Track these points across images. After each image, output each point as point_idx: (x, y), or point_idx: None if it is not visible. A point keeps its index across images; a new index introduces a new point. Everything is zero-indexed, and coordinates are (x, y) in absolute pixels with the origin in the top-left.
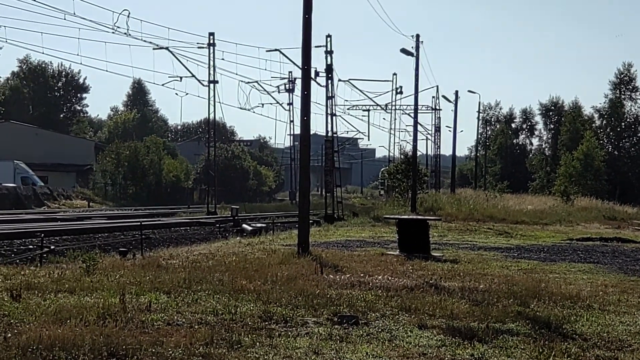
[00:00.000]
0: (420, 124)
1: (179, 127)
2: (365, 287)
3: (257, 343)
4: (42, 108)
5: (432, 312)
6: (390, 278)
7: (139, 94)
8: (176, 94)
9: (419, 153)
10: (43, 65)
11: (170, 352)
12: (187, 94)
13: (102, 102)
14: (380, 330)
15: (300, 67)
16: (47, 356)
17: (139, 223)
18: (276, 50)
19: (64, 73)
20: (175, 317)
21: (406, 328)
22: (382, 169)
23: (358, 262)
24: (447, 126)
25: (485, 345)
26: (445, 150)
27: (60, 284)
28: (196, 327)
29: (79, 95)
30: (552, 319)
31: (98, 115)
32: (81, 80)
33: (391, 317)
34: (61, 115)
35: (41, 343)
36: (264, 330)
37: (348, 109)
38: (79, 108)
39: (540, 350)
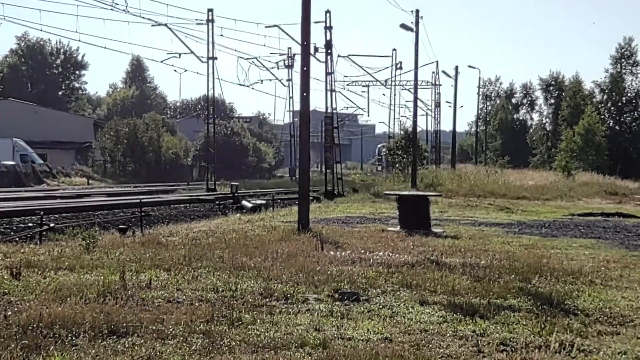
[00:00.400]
0: (420, 100)
1: (178, 103)
2: (365, 264)
3: (258, 320)
4: (40, 85)
5: (434, 289)
6: (390, 254)
7: (137, 70)
8: (175, 70)
9: (419, 129)
10: (41, 42)
11: (171, 329)
12: (185, 70)
13: (101, 79)
14: (381, 306)
15: (300, 43)
16: (47, 334)
17: (138, 200)
18: (275, 26)
19: (62, 50)
20: (176, 295)
21: (407, 304)
22: (379, 145)
23: (358, 239)
24: (447, 102)
25: (487, 322)
26: (446, 125)
27: (60, 261)
28: (197, 304)
29: (77, 72)
30: (554, 295)
31: (97, 92)
32: (79, 57)
33: (392, 294)
34: (60, 93)
35: (41, 321)
36: (265, 307)
37: (347, 84)
38: (77, 85)
39: (542, 326)
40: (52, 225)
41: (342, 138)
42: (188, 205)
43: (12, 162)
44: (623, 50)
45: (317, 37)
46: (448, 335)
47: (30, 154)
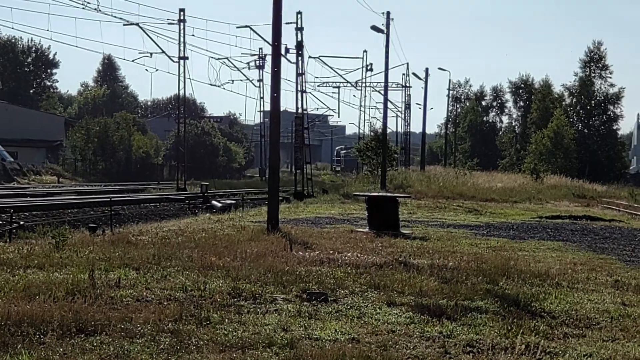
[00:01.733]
0: (391, 101)
1: (149, 103)
2: (334, 264)
3: (226, 319)
4: (11, 83)
5: (401, 290)
6: (359, 255)
7: (109, 69)
8: (146, 69)
9: (389, 130)
10: (13, 40)
11: (139, 328)
12: (157, 70)
13: (73, 77)
14: (349, 307)
15: (271, 43)
16: (15, 332)
17: (108, 199)
18: (247, 26)
19: (34, 48)
20: (145, 293)
21: (375, 305)
22: (337, 148)
23: (327, 239)
24: (417, 103)
25: (454, 323)
26: (416, 127)
27: (29, 259)
28: (165, 303)
29: (48, 70)
30: (521, 297)
31: (68, 91)
32: (51, 56)
33: (360, 294)
34: (31, 91)
35: (9, 319)
36: (233, 307)
37: (318, 85)
38: (48, 83)
39: (509, 328)
40: (22, 223)
41: (313, 139)
42: (158, 204)
43: None
44: (592, 54)
45: (288, 38)
46: (415, 336)
47: (1, 151)
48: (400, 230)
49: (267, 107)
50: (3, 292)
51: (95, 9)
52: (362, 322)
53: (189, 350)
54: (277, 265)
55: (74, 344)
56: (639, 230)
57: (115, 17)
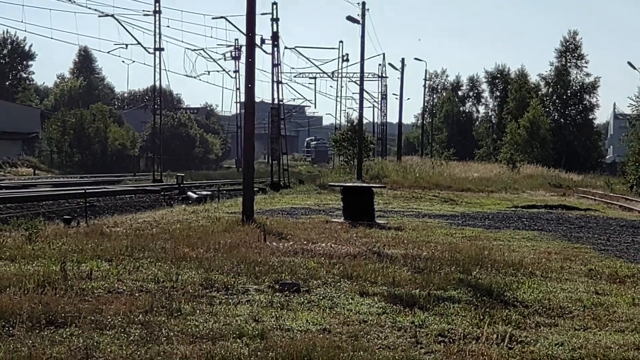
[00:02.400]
0: (367, 92)
1: (126, 94)
2: (308, 255)
3: (198, 310)
4: None
5: (374, 280)
6: (333, 245)
7: (85, 61)
8: (123, 61)
9: (366, 121)
10: None
11: (110, 319)
12: (133, 61)
13: (49, 69)
14: (321, 297)
15: (245, 34)
16: None
17: (83, 191)
18: (222, 17)
19: (9, 40)
20: (116, 285)
21: (347, 295)
22: (307, 139)
23: (302, 230)
24: (394, 94)
25: (426, 313)
26: (393, 118)
27: (0, 252)
28: (137, 294)
29: (24, 62)
30: (494, 286)
31: (44, 82)
32: (27, 48)
33: (333, 285)
34: (7, 83)
35: None
36: (205, 298)
37: (295, 76)
38: (24, 75)
39: (481, 318)
40: None
41: (290, 130)
42: (134, 196)
43: None
44: (568, 43)
45: (264, 28)
46: (387, 326)
47: None
48: (376, 221)
49: (244, 98)
50: None
51: (70, 1)
52: (334, 312)
53: (159, 341)
54: (250, 256)
55: (43, 335)
56: (614, 219)
57: (89, 8)
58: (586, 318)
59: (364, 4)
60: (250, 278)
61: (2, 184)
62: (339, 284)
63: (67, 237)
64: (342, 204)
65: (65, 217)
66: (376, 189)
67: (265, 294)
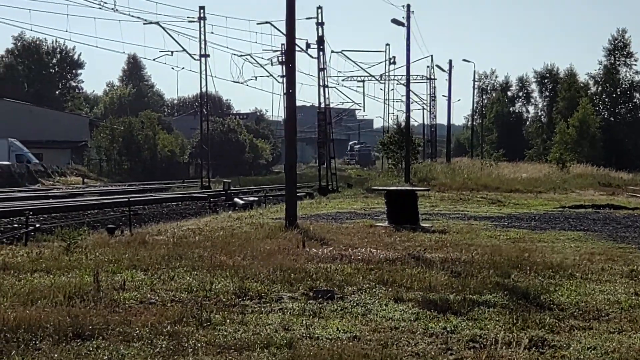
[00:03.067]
0: (416, 94)
1: (175, 101)
2: (346, 260)
3: (228, 320)
4: (37, 85)
5: (410, 285)
6: (373, 250)
7: (134, 69)
8: (172, 68)
9: (415, 123)
10: (37, 42)
11: (138, 331)
12: (183, 68)
13: (99, 78)
14: (355, 304)
15: (287, 39)
16: (10, 338)
17: (127, 199)
18: (267, 22)
19: (58, 49)
20: (149, 296)
21: (382, 302)
22: (351, 143)
23: (345, 235)
24: (443, 95)
25: (460, 318)
26: (442, 119)
27: (37, 263)
28: (168, 305)
29: (74, 71)
30: (530, 290)
31: (94, 91)
32: (76, 57)
33: (368, 291)
34: (56, 92)
35: (6, 325)
36: (237, 307)
37: (343, 80)
38: (74, 84)
39: (514, 322)
40: (37, 225)
41: (340, 133)
42: (180, 203)
43: (7, 162)
44: (616, 41)
45: (310, 33)
46: (418, 332)
47: (26, 153)
48: (420, 224)
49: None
50: (6, 298)
51: (113, 9)
52: (366, 319)
53: (185, 352)
54: (287, 263)
55: (69, 349)
56: None
57: (132, 16)
58: (622, 320)
59: (408, 6)
60: (284, 285)
61: (49, 194)
62: (374, 290)
63: (107, 247)
64: (385, 207)
65: (109, 226)
66: (422, 192)
67: (299, 301)
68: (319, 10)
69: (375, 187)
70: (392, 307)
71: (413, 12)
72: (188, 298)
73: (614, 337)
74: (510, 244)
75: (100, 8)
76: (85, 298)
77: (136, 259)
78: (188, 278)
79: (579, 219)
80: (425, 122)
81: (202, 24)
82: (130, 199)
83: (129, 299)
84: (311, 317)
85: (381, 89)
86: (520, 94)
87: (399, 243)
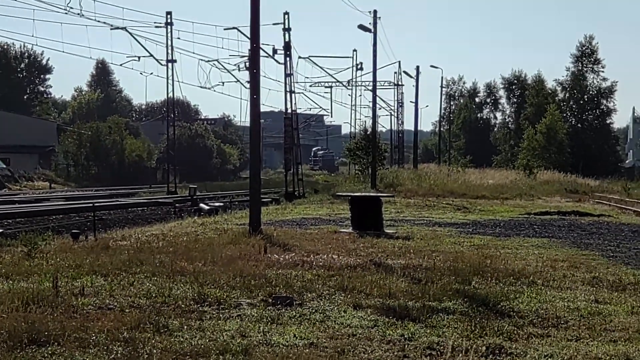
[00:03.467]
0: (383, 100)
1: (144, 106)
2: (307, 267)
3: (185, 326)
4: (5, 90)
5: (370, 292)
6: (334, 257)
7: (102, 74)
8: (141, 73)
9: (383, 129)
10: (5, 46)
11: (94, 337)
12: (151, 73)
13: (67, 83)
14: (313, 311)
15: (251, 45)
16: None
17: (92, 205)
18: (234, 28)
19: (26, 54)
20: (107, 301)
21: (340, 308)
22: (314, 149)
23: (309, 241)
24: (411, 101)
25: (418, 325)
26: (410, 125)
27: None
28: (127, 310)
29: (42, 76)
30: (491, 296)
31: (62, 96)
32: (44, 62)
33: (327, 297)
34: (25, 97)
35: None
36: (195, 314)
37: (310, 86)
38: (42, 89)
39: (472, 329)
40: (1, 230)
41: (308, 139)
42: (146, 208)
43: None
44: (584, 48)
45: (277, 38)
46: (376, 339)
47: None
48: (384, 230)
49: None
50: None
51: (79, 14)
52: (324, 326)
53: (140, 359)
54: (247, 269)
55: (24, 355)
56: (626, 224)
57: (99, 21)
58: (581, 328)
59: (375, 12)
60: (244, 292)
61: (15, 199)
62: (333, 296)
63: (69, 252)
64: (348, 214)
65: (73, 231)
66: (387, 198)
67: (257, 308)
68: (286, 16)
69: (340, 193)
70: (351, 314)
71: (380, 18)
72: (147, 304)
73: (571, 345)
74: (474, 250)
75: (66, 13)
76: (43, 304)
77: (97, 264)
78: (148, 284)
79: (544, 226)
80: (393, 128)
81: (169, 30)
82: (95, 204)
83: (87, 304)
84: (269, 323)
85: (349, 95)
86: (488, 100)
87: (362, 249)
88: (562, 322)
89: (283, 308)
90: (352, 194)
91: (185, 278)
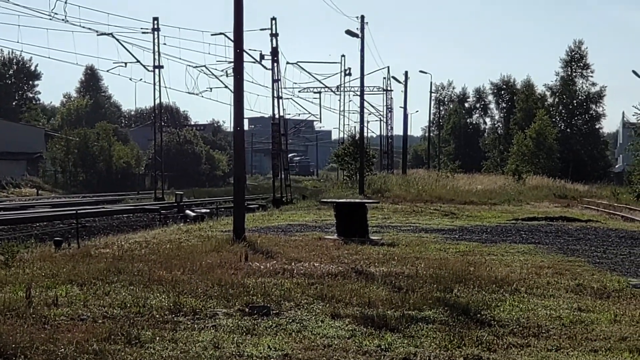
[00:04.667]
0: (373, 105)
1: (133, 112)
2: (287, 275)
3: (158, 337)
4: None
5: (349, 301)
6: (316, 264)
7: (91, 80)
8: (130, 79)
9: (372, 134)
10: None
11: (62, 349)
12: (141, 79)
13: (56, 89)
14: (290, 320)
15: (233, 50)
16: None
17: (78, 211)
18: (221, 33)
19: (14, 60)
20: (80, 312)
21: (318, 318)
22: (290, 155)
23: (293, 248)
24: (400, 107)
25: (396, 335)
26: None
27: None
28: (100, 321)
29: (30, 82)
30: (472, 305)
31: (51, 102)
32: (32, 68)
33: (305, 307)
34: (13, 103)
35: None
36: (169, 324)
37: (299, 91)
38: (31, 95)
39: (451, 339)
40: None
41: (298, 145)
42: (132, 215)
43: None
44: (573, 53)
45: (264, 44)
46: (351, 350)
47: None
48: (369, 237)
49: (246, 114)
50: None
51: (63, 20)
52: (300, 336)
53: None
54: (226, 278)
55: None
56: (614, 230)
57: (83, 27)
58: (562, 337)
59: (362, 17)
60: (221, 301)
61: (0, 206)
62: (312, 305)
63: (48, 260)
64: (333, 220)
65: (56, 238)
66: (374, 204)
67: (233, 318)
68: (273, 22)
69: (324, 200)
70: (328, 324)
71: (367, 23)
72: (121, 314)
73: (550, 355)
74: (459, 257)
75: (50, 19)
76: (14, 314)
77: (73, 273)
78: (124, 293)
79: (531, 232)
80: (382, 134)
81: (155, 35)
82: (78, 212)
83: (59, 315)
84: (243, 334)
85: (339, 101)
86: (478, 105)
87: (346, 256)
88: (544, 331)
89: (260, 318)
90: (336, 200)
91: (163, 287)
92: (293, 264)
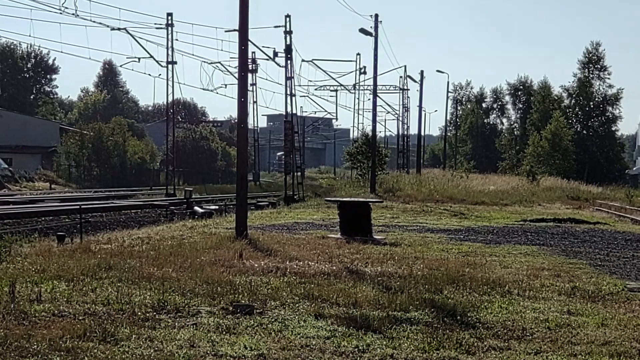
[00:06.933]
0: (389, 104)
1: (150, 108)
2: (279, 274)
3: (135, 335)
4: (11, 89)
5: (335, 300)
6: (310, 263)
7: (109, 75)
8: (149, 75)
9: (390, 133)
10: (12, 46)
11: (35, 346)
12: (159, 75)
13: (75, 83)
14: (273, 320)
15: (238, 47)
16: None
17: (85, 206)
18: (235, 30)
19: (33, 54)
20: (62, 308)
21: (301, 318)
22: (279, 153)
23: (294, 246)
24: (418, 106)
25: (376, 336)
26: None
27: None
28: (80, 318)
29: (48, 76)
30: (459, 307)
31: (69, 96)
32: (50, 62)
33: (291, 306)
34: (31, 97)
35: None
36: (150, 322)
37: (315, 89)
38: (48, 89)
39: (429, 341)
40: None
41: (317, 142)
42: (140, 210)
43: None
44: (590, 55)
45: (278, 41)
46: (329, 351)
47: None
48: (373, 236)
49: (262, 112)
50: None
51: (74, 14)
52: (279, 336)
53: None
54: (216, 276)
55: None
56: (621, 232)
57: (94, 22)
58: (544, 340)
59: (376, 16)
60: (206, 299)
61: (10, 199)
62: (297, 305)
63: (43, 255)
64: (338, 219)
65: (58, 233)
66: (384, 203)
67: (216, 316)
68: (287, 19)
69: (328, 199)
70: (310, 324)
71: (381, 22)
72: (103, 311)
73: (528, 359)
74: (460, 257)
75: (60, 13)
76: None
77: (63, 269)
78: (110, 290)
79: (537, 233)
80: (400, 132)
81: (169, 31)
82: (83, 207)
83: (40, 311)
84: (222, 333)
85: (358, 99)
86: (495, 105)
87: (346, 255)
88: (527, 334)
89: (242, 317)
90: (340, 199)
91: (150, 284)
92: (288, 262)
